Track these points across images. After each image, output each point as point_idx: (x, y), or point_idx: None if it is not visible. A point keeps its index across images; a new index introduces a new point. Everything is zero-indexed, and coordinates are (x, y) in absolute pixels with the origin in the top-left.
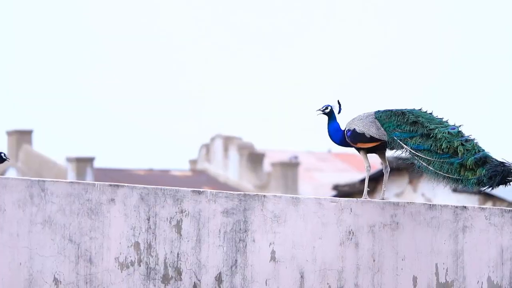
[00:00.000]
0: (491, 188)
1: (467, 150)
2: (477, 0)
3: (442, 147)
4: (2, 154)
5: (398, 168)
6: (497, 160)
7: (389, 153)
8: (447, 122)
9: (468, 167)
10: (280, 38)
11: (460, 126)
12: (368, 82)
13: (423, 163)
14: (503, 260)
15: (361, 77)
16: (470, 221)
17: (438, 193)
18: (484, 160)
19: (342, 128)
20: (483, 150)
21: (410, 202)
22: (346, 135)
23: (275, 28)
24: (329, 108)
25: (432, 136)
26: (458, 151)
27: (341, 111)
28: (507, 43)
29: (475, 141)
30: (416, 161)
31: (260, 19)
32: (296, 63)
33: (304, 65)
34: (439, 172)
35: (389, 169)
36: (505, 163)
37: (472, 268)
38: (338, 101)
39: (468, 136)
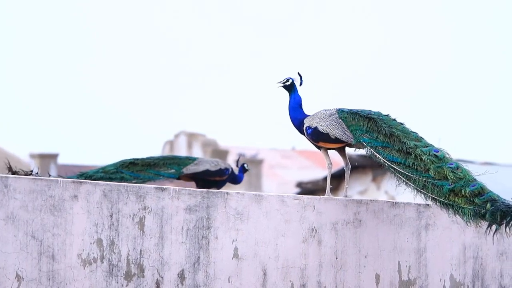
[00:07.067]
0: (495, 225)
1: (459, 178)
2: (467, 7)
3: (429, 171)
4: (245, 165)
5: (362, 166)
6: (497, 196)
7: (350, 150)
8: (422, 137)
9: (461, 195)
10: (244, 35)
11: (443, 149)
12: (341, 85)
13: (402, 178)
14: (465, 258)
15: (330, 78)
16: (433, 219)
17: (401, 191)
18: (481, 191)
19: (303, 110)
20: (475, 179)
21: (373, 200)
22: (306, 132)
23: (243, 26)
24: (290, 80)
25: (414, 155)
26: (449, 178)
27: (303, 83)
28: (496, 51)
29: (465, 169)
30: (391, 173)
31: (230, 13)
32: (260, 59)
33: (269, 61)
34: (422, 191)
35: (350, 166)
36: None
37: (435, 265)
38: (298, 73)
39: (457, 163)
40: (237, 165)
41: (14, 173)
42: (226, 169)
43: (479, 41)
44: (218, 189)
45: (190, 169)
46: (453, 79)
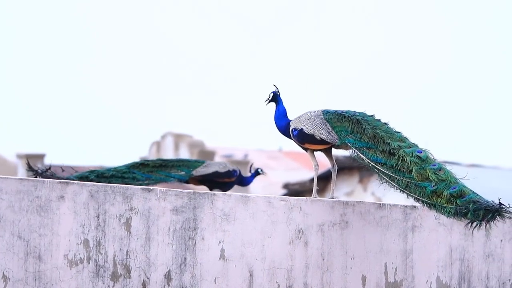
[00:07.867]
0: (476, 223)
1: (441, 180)
2: (467, 7)
3: (412, 172)
4: (259, 170)
5: (349, 167)
6: (478, 196)
7: (337, 151)
8: (406, 137)
9: (443, 196)
10: (236, 36)
11: (427, 150)
12: (329, 87)
13: (385, 178)
14: (452, 260)
15: (329, 79)
16: (419, 221)
17: (388, 192)
18: (461, 193)
19: (288, 116)
20: (458, 181)
21: (360, 201)
22: (292, 134)
23: (235, 26)
24: (272, 94)
25: (397, 156)
26: (431, 179)
27: (280, 92)
28: (494, 55)
29: (448, 170)
30: (376, 173)
31: (223, 14)
32: (251, 60)
33: (258, 63)
34: (405, 191)
35: (337, 168)
36: (493, 202)
37: (421, 267)
38: (274, 85)
39: (440, 164)
40: (250, 171)
41: (33, 171)
42: (234, 170)
43: (479, 41)
44: (226, 191)
45: (200, 171)
46: (452, 79)
